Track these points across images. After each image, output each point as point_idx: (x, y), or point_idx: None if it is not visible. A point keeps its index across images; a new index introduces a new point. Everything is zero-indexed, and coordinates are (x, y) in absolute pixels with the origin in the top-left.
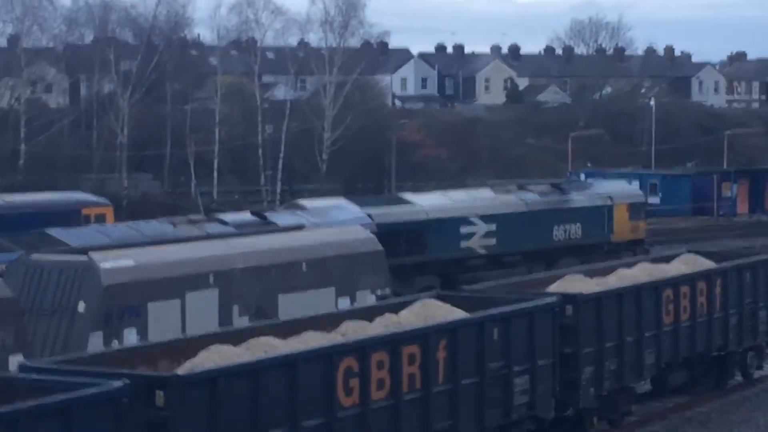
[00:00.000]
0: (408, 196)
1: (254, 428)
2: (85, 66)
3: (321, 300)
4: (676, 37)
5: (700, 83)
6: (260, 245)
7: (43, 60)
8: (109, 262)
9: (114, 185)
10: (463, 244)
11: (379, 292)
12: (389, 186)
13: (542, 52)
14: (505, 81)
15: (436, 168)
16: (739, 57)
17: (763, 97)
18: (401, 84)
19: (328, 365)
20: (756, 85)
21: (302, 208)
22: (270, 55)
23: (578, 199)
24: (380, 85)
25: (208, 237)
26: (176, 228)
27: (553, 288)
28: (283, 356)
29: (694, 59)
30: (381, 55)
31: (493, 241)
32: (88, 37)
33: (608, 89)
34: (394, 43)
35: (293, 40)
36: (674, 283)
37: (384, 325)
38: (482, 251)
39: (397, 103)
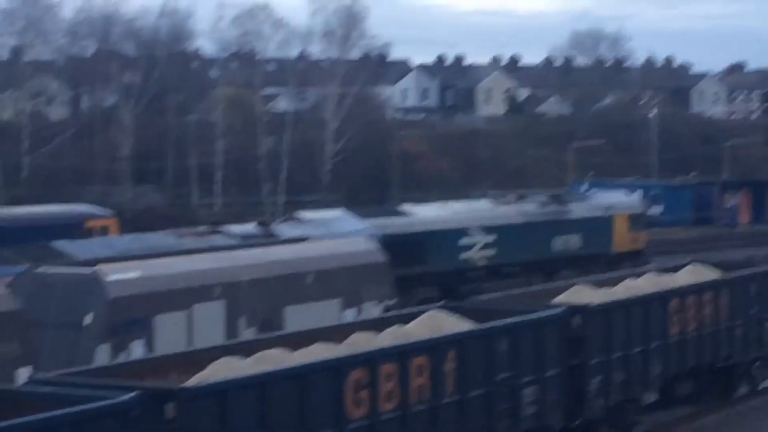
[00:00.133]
0: (407, 207)
1: None
2: (87, 78)
3: (327, 311)
4: (676, 47)
5: (700, 94)
6: (267, 257)
7: (46, 72)
8: (115, 274)
9: (117, 197)
10: (463, 255)
11: (386, 304)
12: (392, 197)
13: (542, 64)
14: (506, 92)
15: (437, 179)
16: (738, 67)
17: (763, 107)
18: (402, 95)
19: (337, 377)
20: (755, 95)
21: (302, 220)
22: (271, 67)
23: (578, 210)
24: (381, 96)
25: (214, 249)
26: (182, 240)
27: (560, 299)
28: (292, 368)
29: (694, 70)
30: (381, 66)
31: (492, 252)
32: (91, 50)
33: (607, 100)
34: (394, 54)
35: (294, 52)
36: (681, 293)
37: (392, 336)
38: (482, 262)
39: (398, 114)
